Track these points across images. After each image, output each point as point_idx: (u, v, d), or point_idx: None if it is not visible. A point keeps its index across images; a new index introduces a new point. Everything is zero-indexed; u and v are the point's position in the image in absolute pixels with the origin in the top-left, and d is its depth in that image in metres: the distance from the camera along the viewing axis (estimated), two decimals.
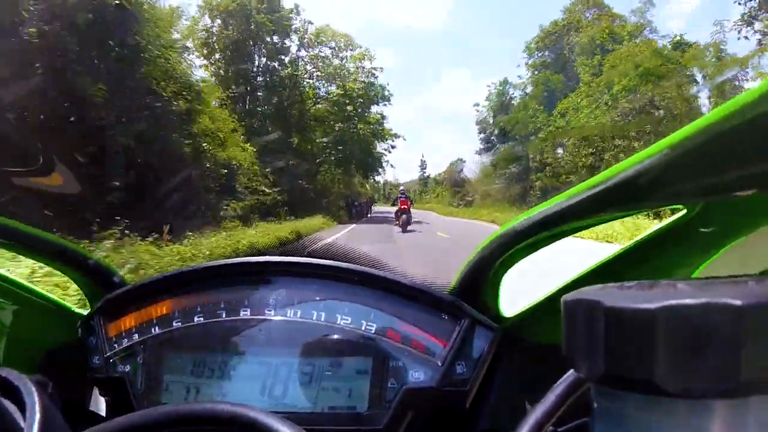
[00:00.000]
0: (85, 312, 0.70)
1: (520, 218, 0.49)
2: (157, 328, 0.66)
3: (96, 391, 0.70)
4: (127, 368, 0.65)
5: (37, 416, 0.35)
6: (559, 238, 0.49)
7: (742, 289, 0.21)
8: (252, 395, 0.63)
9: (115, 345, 0.66)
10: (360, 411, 0.61)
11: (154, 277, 0.69)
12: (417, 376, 0.61)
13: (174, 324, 0.66)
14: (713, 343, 0.19)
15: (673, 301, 0.20)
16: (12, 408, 0.38)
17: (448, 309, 0.64)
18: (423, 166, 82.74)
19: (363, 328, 0.64)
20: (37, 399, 0.37)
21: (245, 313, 0.65)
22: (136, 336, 0.66)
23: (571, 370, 0.35)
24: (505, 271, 0.58)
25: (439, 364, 0.61)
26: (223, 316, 0.66)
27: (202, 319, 0.66)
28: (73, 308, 0.70)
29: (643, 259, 0.49)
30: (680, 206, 0.42)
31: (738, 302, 0.19)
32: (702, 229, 0.43)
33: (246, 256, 0.76)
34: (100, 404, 0.70)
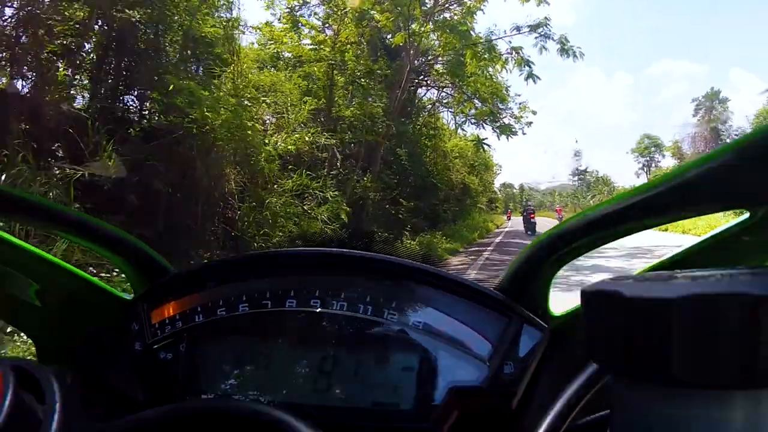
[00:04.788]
0: (128, 297, 0.80)
1: (575, 217, 0.56)
2: (201, 316, 0.75)
3: (136, 377, 0.79)
4: (169, 356, 0.75)
5: (57, 409, 0.42)
6: (615, 239, 0.56)
7: (760, 279, 0.25)
8: (295, 388, 0.72)
9: (158, 332, 0.76)
10: (405, 408, 0.70)
11: (199, 264, 0.79)
12: (464, 375, 0.70)
13: (218, 313, 0.75)
14: (730, 333, 0.22)
15: (691, 292, 0.23)
16: (32, 400, 0.45)
17: (497, 307, 0.72)
18: (577, 156, 77.45)
19: (410, 325, 0.72)
20: (57, 391, 0.43)
21: (291, 305, 0.75)
22: (179, 323, 0.76)
23: (592, 362, 0.41)
24: (557, 270, 0.66)
25: (487, 364, 0.69)
26: (269, 306, 0.75)
27: (247, 308, 0.75)
28: (116, 292, 0.80)
29: (700, 262, 0.55)
30: (744, 210, 0.47)
31: (755, 292, 0.22)
32: (764, 236, 0.48)
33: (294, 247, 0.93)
34: (139, 390, 0.79)
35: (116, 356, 0.77)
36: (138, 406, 0.53)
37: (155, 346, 0.77)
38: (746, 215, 0.48)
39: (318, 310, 0.75)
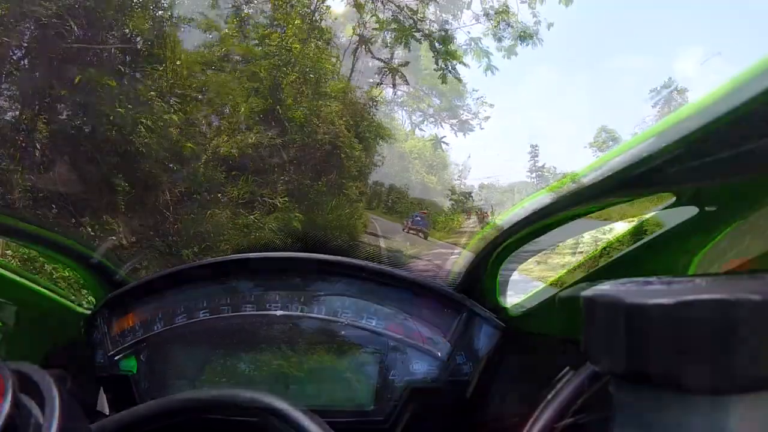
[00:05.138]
0: (88, 310, 0.83)
1: (514, 209, 0.64)
2: (160, 325, 0.80)
3: (100, 389, 0.83)
4: (131, 365, 0.79)
5: (56, 412, 0.45)
6: (553, 228, 0.64)
7: (761, 284, 0.27)
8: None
9: (119, 342, 0.80)
10: (364, 404, 0.77)
11: (157, 274, 0.83)
12: (419, 368, 0.78)
13: (177, 321, 0.80)
14: (733, 338, 0.25)
15: (692, 297, 0.26)
16: (31, 404, 0.47)
17: (449, 302, 0.80)
18: (534, 153, 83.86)
19: (365, 323, 0.80)
20: (56, 395, 0.46)
21: (249, 309, 0.81)
22: (139, 333, 0.80)
23: (588, 364, 0.44)
24: (502, 263, 0.74)
25: (441, 357, 0.77)
26: (228, 312, 0.81)
27: (207, 314, 0.80)
28: (76, 307, 0.83)
29: (637, 248, 0.63)
30: (670, 193, 0.54)
31: (757, 297, 0.25)
32: (693, 216, 0.55)
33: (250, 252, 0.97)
34: (103, 402, 0.84)
35: (79, 369, 0.81)
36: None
37: (116, 357, 0.81)
38: (672, 199, 0.53)
39: (275, 314, 0.82)
